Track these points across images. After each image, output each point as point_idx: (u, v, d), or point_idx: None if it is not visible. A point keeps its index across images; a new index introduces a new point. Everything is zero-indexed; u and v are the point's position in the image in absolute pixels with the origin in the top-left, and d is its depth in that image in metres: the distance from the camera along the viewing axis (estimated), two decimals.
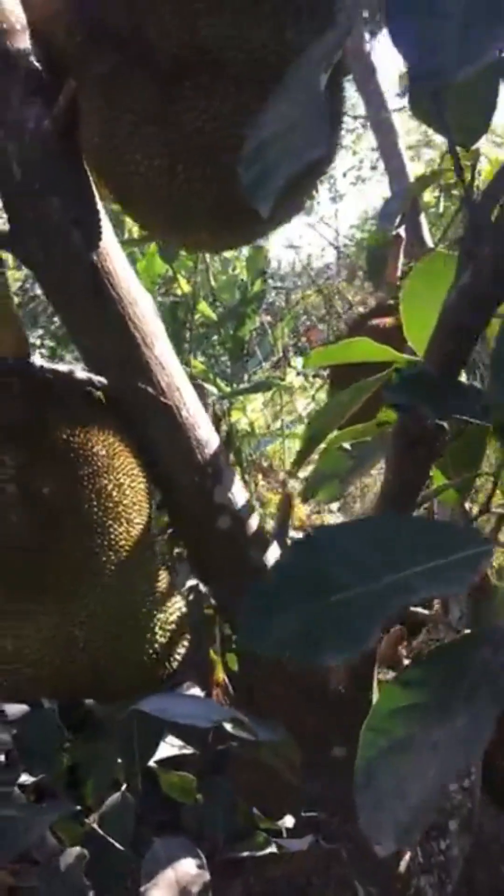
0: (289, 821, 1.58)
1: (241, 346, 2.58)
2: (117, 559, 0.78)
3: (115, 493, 0.79)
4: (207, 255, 2.63)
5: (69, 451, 0.77)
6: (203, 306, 2.40)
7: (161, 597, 0.84)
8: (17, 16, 0.83)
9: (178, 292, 2.50)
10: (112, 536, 0.78)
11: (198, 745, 1.58)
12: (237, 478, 0.96)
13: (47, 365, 0.80)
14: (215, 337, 2.77)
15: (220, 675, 2.47)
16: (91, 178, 0.87)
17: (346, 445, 0.89)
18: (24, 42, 0.83)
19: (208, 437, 0.93)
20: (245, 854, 1.36)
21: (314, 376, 2.78)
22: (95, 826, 1.44)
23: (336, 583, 0.46)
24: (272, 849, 1.37)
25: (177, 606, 0.86)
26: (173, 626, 0.84)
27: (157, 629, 0.83)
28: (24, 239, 0.85)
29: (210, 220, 0.77)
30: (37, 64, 0.83)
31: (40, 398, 0.80)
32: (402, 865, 0.98)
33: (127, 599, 0.79)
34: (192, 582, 2.40)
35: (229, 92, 0.71)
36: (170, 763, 1.53)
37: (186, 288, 2.38)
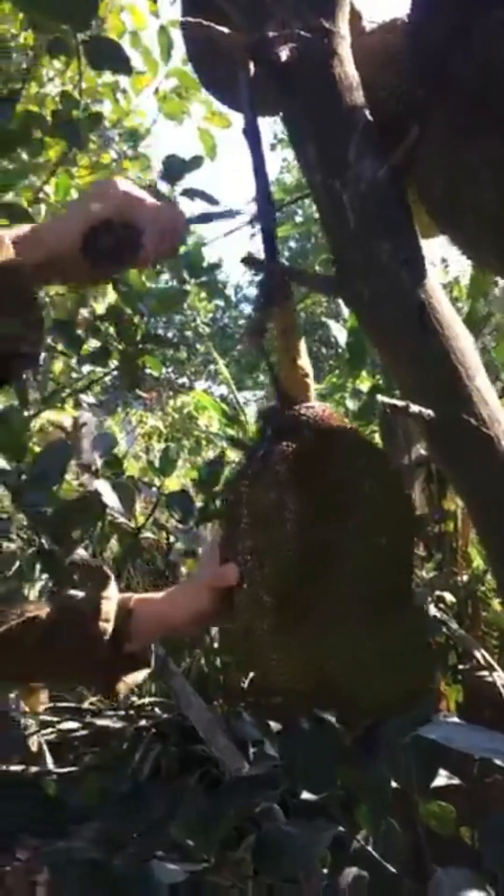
0: None
1: None
2: (371, 607, 0.83)
3: (381, 546, 0.84)
4: None
5: (347, 501, 0.83)
6: None
7: (411, 640, 0.89)
8: (354, 73, 0.89)
9: None
10: (370, 587, 0.83)
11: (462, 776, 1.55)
12: None
13: (387, 400, 0.84)
14: None
15: (451, 704, 2.42)
16: (413, 219, 0.91)
17: None
18: (360, 98, 0.88)
19: None
20: None
21: None
22: (370, 848, 1.45)
23: None
24: None
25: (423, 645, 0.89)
26: (423, 665, 0.91)
27: (404, 669, 0.88)
28: (352, 281, 0.91)
29: None
30: (370, 117, 0.89)
31: (323, 444, 0.86)
32: None
33: (375, 644, 0.84)
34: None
35: None
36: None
37: None
